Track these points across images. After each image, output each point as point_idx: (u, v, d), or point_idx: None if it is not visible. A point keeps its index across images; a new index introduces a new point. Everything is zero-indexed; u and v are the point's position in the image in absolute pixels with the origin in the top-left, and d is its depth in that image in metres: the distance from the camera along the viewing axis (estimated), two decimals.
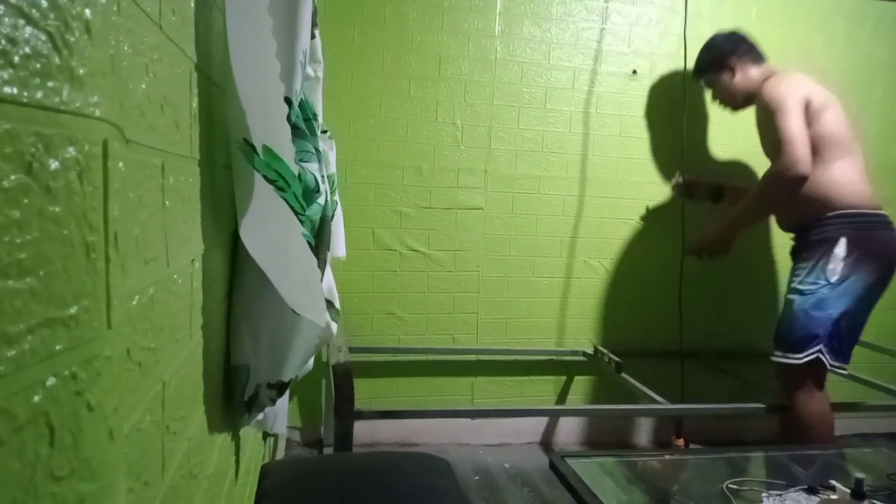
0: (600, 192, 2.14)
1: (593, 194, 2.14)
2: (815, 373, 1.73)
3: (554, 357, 2.17)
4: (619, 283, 2.19)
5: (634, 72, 2.10)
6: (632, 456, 1.41)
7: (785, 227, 1.93)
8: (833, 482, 1.18)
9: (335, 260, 1.59)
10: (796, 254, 1.87)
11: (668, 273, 2.20)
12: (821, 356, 1.72)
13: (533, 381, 2.18)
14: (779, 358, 1.79)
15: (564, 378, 2.18)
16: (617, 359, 1.94)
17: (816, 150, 1.75)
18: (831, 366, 1.73)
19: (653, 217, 2.19)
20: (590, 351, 2.15)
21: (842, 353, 1.75)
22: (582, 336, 2.18)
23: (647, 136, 2.15)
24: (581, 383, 2.19)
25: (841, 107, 1.81)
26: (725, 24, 2.11)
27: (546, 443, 2.18)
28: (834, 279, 1.72)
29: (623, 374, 1.91)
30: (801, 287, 1.79)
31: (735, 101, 1.95)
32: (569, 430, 2.17)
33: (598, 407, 1.86)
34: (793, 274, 1.84)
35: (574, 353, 2.17)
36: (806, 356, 1.73)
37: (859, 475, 1.15)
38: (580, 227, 2.14)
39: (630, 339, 2.20)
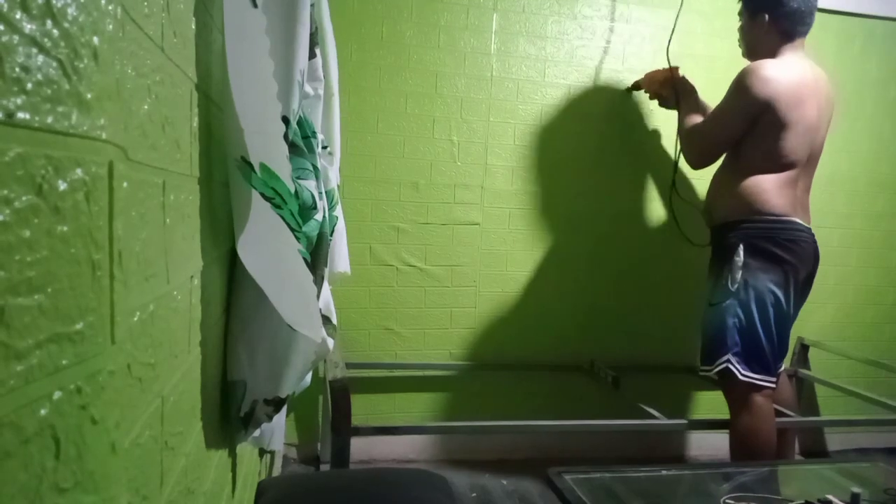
0: (595, 206, 2.15)
1: (588, 209, 2.15)
2: (745, 385, 1.67)
3: (551, 372, 2.17)
4: (616, 298, 2.19)
5: (629, 89, 2.12)
6: (630, 471, 1.41)
7: (707, 223, 1.90)
8: (830, 497, 1.18)
9: (339, 276, 1.58)
10: (710, 265, 1.85)
11: (668, 287, 2.21)
12: (730, 366, 1.68)
13: (530, 396, 2.17)
14: (700, 372, 1.81)
15: (561, 393, 2.18)
16: (614, 373, 1.94)
17: (742, 156, 1.72)
18: (745, 376, 1.67)
19: (648, 228, 2.20)
20: (587, 366, 2.15)
21: (760, 365, 1.68)
22: (579, 351, 2.18)
23: (641, 150, 2.18)
24: (578, 398, 2.18)
25: (819, 119, 1.71)
26: (717, 41, 2.15)
27: (543, 458, 2.17)
28: (734, 287, 1.69)
29: (620, 389, 1.92)
30: (710, 298, 1.78)
31: (743, 47, 1.86)
32: (566, 446, 2.16)
33: (596, 422, 1.85)
34: (707, 286, 1.84)
35: (571, 367, 2.17)
36: (716, 367, 1.71)
37: (856, 489, 1.16)
38: (578, 242, 2.15)
39: (628, 354, 2.20)
